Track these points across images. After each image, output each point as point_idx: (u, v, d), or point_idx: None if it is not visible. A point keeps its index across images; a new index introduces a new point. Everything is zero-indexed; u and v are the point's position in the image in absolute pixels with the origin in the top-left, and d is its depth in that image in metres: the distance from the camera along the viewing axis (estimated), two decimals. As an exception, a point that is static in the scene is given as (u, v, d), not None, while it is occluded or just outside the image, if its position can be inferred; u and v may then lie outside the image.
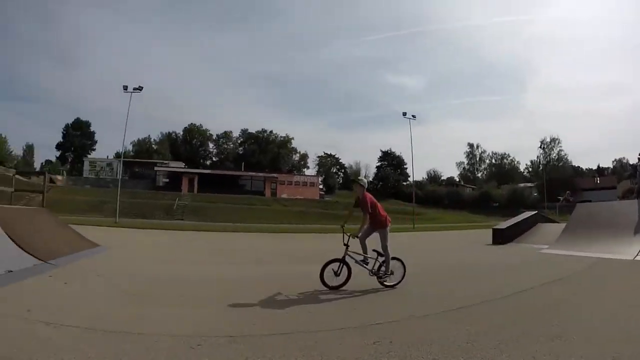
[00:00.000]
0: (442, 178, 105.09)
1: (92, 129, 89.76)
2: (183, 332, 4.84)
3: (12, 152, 75.55)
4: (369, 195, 7.94)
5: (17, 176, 16.07)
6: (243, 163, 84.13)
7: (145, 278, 8.82)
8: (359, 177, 8.70)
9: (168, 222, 39.19)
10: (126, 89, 41.05)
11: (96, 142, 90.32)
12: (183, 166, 74.29)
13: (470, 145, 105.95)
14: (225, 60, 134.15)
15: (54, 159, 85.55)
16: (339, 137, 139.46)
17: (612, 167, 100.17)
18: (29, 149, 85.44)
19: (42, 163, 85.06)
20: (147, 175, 69.43)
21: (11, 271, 7.92)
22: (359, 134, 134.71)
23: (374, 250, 7.97)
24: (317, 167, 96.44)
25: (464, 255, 16.09)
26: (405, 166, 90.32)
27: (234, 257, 14.27)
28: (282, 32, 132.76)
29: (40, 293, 6.77)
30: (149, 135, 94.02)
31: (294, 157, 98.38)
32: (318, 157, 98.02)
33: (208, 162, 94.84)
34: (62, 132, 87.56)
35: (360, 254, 7.91)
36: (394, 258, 8.02)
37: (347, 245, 7.72)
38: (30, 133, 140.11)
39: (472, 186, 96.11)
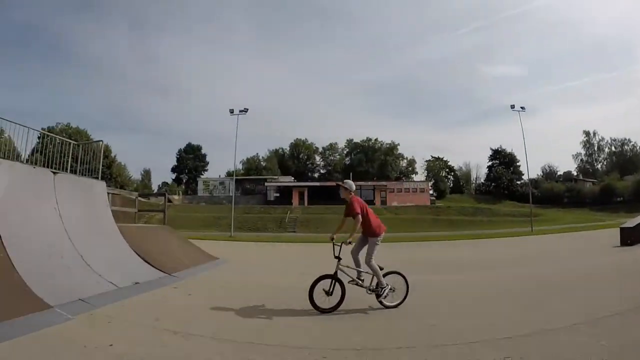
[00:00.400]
0: (559, 173, 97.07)
1: (203, 151, 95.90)
2: (308, 344, 4.79)
3: (131, 177, 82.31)
4: (357, 198, 6.98)
5: (139, 198, 17.10)
6: (351, 173, 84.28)
7: (265, 289, 8.90)
8: (345, 180, 7.21)
9: (281, 235, 40.07)
10: (232, 112, 42.98)
11: (208, 163, 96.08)
12: (292, 180, 75.88)
13: (587, 134, 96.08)
14: (324, 73, 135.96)
15: (169, 181, 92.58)
16: (445, 138, 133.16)
17: None
18: (147, 173, 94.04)
19: (159, 185, 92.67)
20: (258, 191, 71.79)
21: (138, 283, 8.25)
22: (465, 133, 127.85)
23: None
24: (425, 172, 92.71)
25: (591, 260, 14.62)
26: (517, 163, 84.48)
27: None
28: (375, 37, 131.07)
29: (166, 303, 7.06)
30: (257, 153, 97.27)
31: (401, 163, 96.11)
32: (426, 161, 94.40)
33: (316, 175, 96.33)
34: (176, 157, 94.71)
35: (354, 269, 6.79)
36: (394, 272, 6.99)
37: (338, 258, 6.62)
38: (148, 159, 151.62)
39: (592, 180, 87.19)
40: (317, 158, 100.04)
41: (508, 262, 15.17)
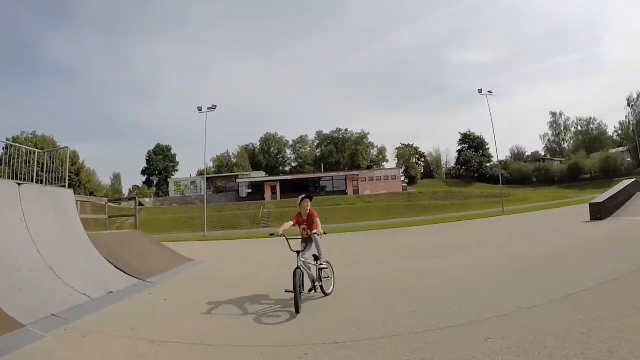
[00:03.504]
0: (527, 154, 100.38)
1: (172, 151, 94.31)
2: (288, 342, 4.76)
3: (101, 182, 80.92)
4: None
5: (109, 203, 16.80)
6: (322, 164, 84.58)
7: (242, 289, 8.74)
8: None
9: (255, 231, 39.92)
10: (201, 110, 42.60)
11: (178, 163, 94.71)
12: (264, 175, 75.57)
13: (553, 114, 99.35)
14: (294, 66, 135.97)
15: (140, 184, 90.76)
16: (416, 125, 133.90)
17: None
18: (117, 178, 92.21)
19: (129, 189, 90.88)
20: (230, 188, 71.43)
21: (112, 292, 8.12)
22: (435, 119, 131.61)
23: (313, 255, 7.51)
24: (396, 159, 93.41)
25: (563, 236, 15.15)
26: (487, 146, 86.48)
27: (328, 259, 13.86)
28: (344, 26, 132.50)
29: (142, 311, 6.94)
30: (228, 150, 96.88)
31: (372, 152, 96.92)
32: (396, 149, 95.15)
33: (287, 169, 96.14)
34: (146, 158, 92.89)
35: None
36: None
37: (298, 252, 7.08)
38: (118, 164, 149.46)
39: (560, 159, 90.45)
40: (288, 152, 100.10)
41: (482, 243, 15.52)
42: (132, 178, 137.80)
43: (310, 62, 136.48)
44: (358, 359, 4.07)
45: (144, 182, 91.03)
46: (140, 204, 59.46)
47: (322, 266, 7.26)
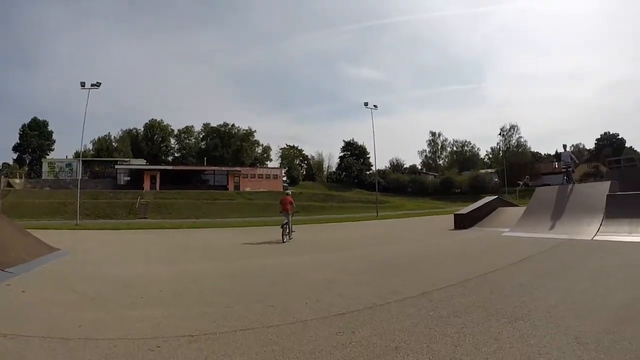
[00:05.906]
0: (405, 166, 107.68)
1: (50, 128, 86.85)
2: (142, 335, 4.87)
3: (-34, 157, 72.66)
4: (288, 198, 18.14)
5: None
6: (205, 158, 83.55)
7: (104, 281, 8.81)
8: (288, 190, 16.43)
9: (130, 222, 38.75)
10: (84, 86, 39.20)
11: (54, 142, 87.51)
12: (144, 163, 73.03)
13: (432, 134, 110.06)
14: (188, 56, 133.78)
15: (11, 162, 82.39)
16: (303, 130, 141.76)
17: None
18: None
19: None
20: (108, 174, 67.99)
21: (-32, 281, 7.92)
22: (322, 126, 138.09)
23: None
24: (280, 159, 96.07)
25: (427, 241, 16.73)
26: (368, 156, 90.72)
27: (194, 254, 14.24)
28: (244, 25, 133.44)
29: (-3, 303, 6.68)
30: (109, 133, 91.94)
31: (256, 150, 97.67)
32: (281, 149, 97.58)
33: (170, 158, 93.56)
34: (19, 133, 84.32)
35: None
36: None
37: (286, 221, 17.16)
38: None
39: (435, 173, 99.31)
40: (172, 141, 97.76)
41: (353, 243, 16.98)
42: (2, 154, 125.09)
43: (204, 53, 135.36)
44: (210, 352, 4.25)
45: (14, 160, 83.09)
46: (10, 185, 55.00)
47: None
